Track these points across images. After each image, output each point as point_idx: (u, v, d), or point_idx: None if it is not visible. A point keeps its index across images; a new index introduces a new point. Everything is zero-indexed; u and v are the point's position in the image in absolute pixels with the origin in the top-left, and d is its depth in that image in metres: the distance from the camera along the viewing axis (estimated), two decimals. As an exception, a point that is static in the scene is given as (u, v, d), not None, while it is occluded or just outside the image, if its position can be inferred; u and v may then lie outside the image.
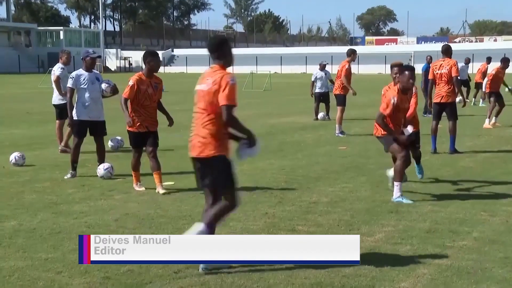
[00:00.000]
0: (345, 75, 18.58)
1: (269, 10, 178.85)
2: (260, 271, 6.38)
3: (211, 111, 6.51)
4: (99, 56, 13.07)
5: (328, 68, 23.11)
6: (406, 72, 9.61)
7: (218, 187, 6.70)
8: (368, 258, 6.79)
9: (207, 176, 6.70)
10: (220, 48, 6.67)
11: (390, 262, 6.66)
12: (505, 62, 20.29)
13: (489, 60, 29.22)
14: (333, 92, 19.43)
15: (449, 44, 16.49)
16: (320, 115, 21.54)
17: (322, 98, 21.94)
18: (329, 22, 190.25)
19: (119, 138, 15.05)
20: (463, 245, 7.33)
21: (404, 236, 7.70)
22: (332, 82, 21.65)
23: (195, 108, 6.71)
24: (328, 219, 8.55)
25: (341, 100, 18.66)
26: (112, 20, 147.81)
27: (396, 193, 9.48)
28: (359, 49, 22.92)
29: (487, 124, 19.35)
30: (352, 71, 19.42)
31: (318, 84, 21.66)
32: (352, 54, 18.87)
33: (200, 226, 6.48)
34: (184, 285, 6.05)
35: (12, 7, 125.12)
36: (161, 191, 10.20)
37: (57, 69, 15.05)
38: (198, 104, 6.67)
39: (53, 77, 14.87)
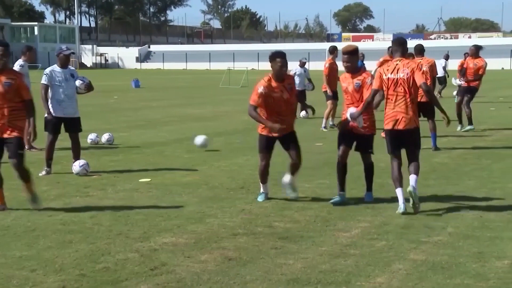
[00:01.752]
0: (325, 74, 19.05)
1: (246, 6, 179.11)
2: (236, 267, 6.38)
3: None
4: (73, 53, 12.95)
5: (306, 65, 23.13)
6: (278, 59, 9.00)
7: (418, 149, 9.00)
8: (344, 253, 6.82)
9: (411, 141, 8.89)
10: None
11: (366, 258, 6.68)
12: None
13: (465, 56, 29.52)
14: (322, 89, 19.63)
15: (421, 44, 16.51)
16: (302, 113, 21.54)
17: (298, 95, 21.84)
18: (306, 18, 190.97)
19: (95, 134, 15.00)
20: (438, 240, 7.36)
21: (380, 231, 7.72)
22: (310, 81, 21.77)
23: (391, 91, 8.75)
24: (305, 215, 8.55)
25: (328, 97, 18.85)
26: (87, 16, 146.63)
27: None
28: (336, 45, 22.90)
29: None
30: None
31: (296, 80, 21.61)
32: (334, 51, 19.07)
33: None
34: (160, 282, 6.00)
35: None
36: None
37: (16, 66, 14.45)
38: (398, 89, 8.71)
39: None
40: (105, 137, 15.71)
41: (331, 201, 9.22)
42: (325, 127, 18.46)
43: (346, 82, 9.33)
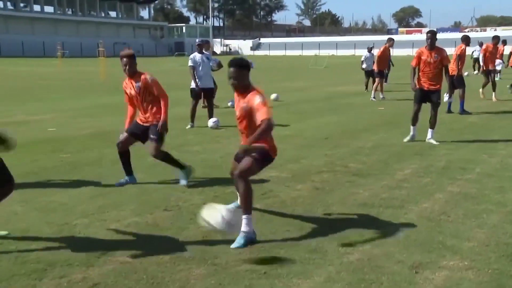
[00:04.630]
0: (378, 56, 18.43)
1: (328, 9, 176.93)
2: (322, 194, 6.38)
3: None
4: (207, 42, 13.17)
5: (372, 51, 22.48)
6: (230, 69, 5.02)
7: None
8: (400, 186, 6.70)
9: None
10: None
11: (415, 190, 6.55)
12: (495, 39, 16.73)
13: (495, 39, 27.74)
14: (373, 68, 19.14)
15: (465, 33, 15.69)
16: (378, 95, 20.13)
17: (369, 73, 21.26)
18: (372, 18, 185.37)
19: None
20: (469, 178, 7.11)
21: (426, 171, 7.52)
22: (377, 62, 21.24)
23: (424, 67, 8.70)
24: (371, 159, 8.43)
25: (378, 74, 18.36)
26: (218, 18, 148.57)
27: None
28: (394, 37, 22.27)
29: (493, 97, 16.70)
30: (391, 54, 19.45)
31: (367, 62, 21.01)
32: (390, 41, 18.62)
33: None
34: (269, 203, 6.06)
35: (152, 11, 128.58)
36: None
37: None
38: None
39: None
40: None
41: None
42: (374, 97, 17.66)
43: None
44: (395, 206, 5.88)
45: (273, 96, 17.54)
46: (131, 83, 6.79)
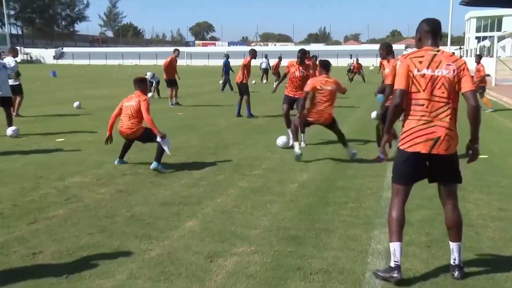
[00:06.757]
0: (165, 66, 17.71)
1: (130, 22, 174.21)
2: (124, 196, 6.25)
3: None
4: (3, 51, 12.87)
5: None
6: None
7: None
8: (197, 184, 6.83)
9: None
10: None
11: (211, 186, 6.73)
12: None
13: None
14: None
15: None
16: None
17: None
18: (171, 31, 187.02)
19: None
20: (256, 173, 7.51)
21: (220, 169, 7.77)
22: None
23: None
24: (172, 159, 8.46)
25: (168, 83, 17.93)
26: (16, 26, 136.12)
27: None
28: (192, 49, 22.68)
29: None
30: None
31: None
32: (175, 51, 18.09)
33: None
34: (72, 208, 5.76)
35: None
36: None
37: (12, 62, 13.61)
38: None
39: None
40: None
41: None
42: (172, 104, 17.74)
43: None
44: (193, 203, 6.00)
45: (75, 104, 16.79)
46: None
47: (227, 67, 23.23)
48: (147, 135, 7.68)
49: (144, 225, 5.17)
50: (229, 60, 23.39)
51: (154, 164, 7.53)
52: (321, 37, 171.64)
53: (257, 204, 5.95)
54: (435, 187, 4.04)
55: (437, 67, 3.78)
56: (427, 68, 3.77)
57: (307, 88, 8.30)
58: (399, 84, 3.79)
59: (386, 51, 8.44)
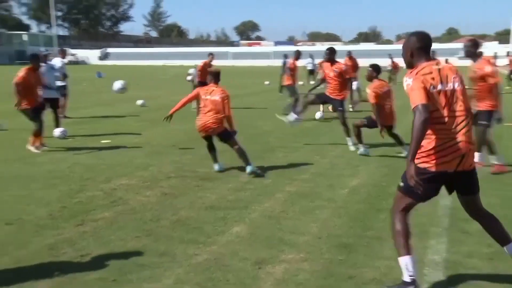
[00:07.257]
0: (199, 70, 16.74)
1: (174, 21, 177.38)
2: (170, 199, 6.31)
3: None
4: (50, 53, 13.47)
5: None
6: None
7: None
8: (244, 189, 6.83)
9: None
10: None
11: (258, 190, 6.72)
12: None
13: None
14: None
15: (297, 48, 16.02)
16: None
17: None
18: (215, 30, 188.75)
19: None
20: (304, 177, 7.47)
21: (267, 173, 7.77)
22: None
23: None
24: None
25: (200, 84, 17.60)
26: (62, 27, 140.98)
27: None
28: (237, 49, 22.70)
29: None
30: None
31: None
32: (210, 55, 17.09)
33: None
34: (118, 210, 5.86)
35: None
36: None
37: (59, 62, 13.88)
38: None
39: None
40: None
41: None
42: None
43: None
44: (240, 207, 6.00)
45: (139, 102, 17.93)
46: None
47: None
48: (228, 133, 7.89)
49: (191, 229, 5.21)
50: (287, 60, 23.23)
51: (249, 168, 7.66)
52: (371, 35, 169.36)
53: (305, 209, 5.90)
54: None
55: (447, 81, 3.62)
56: (441, 83, 3.59)
57: (372, 100, 8.56)
58: (421, 99, 3.44)
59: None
